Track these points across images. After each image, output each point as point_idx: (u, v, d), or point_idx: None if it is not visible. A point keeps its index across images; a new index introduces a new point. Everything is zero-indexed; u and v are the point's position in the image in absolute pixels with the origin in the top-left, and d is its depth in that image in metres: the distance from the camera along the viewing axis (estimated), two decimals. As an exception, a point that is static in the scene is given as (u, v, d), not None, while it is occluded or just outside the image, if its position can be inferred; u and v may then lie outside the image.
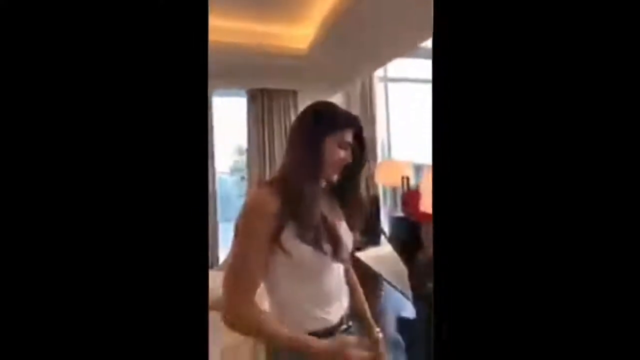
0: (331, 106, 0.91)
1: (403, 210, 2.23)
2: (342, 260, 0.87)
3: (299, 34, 2.05)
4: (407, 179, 2.25)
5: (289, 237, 0.77)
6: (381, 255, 2.96)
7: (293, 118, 2.62)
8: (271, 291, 0.84)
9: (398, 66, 3.49)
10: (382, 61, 2.31)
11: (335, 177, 0.88)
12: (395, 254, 2.00)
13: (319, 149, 0.84)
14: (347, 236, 0.91)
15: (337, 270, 0.89)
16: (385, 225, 2.56)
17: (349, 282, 0.98)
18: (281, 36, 2.06)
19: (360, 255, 3.16)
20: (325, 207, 0.86)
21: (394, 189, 2.74)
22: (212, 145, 2.69)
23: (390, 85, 3.49)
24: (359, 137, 0.90)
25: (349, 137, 0.87)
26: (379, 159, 3.17)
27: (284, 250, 0.77)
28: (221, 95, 2.75)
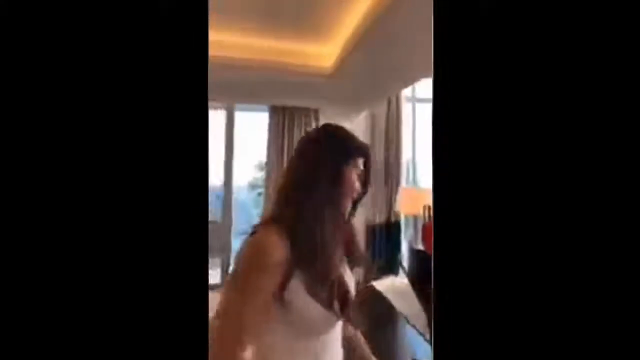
0: (344, 130, 0.81)
1: (422, 243, 2.08)
2: (348, 319, 0.74)
3: (323, 52, 1.99)
4: (429, 208, 2.11)
5: (296, 292, 0.65)
6: (398, 287, 2.80)
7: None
8: (262, 351, 0.68)
9: (427, 86, 3.38)
10: (408, 81, 2.21)
11: (349, 212, 0.78)
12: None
13: (341, 179, 0.73)
14: (351, 282, 0.79)
15: (338, 326, 0.76)
16: (405, 257, 2.41)
17: (348, 337, 0.85)
18: (305, 54, 2.01)
19: (377, 284, 3.01)
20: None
21: (415, 218, 2.60)
22: (231, 160, 2.66)
23: (418, 105, 3.37)
24: (367, 166, 0.80)
25: (361, 165, 0.78)
26: (403, 184, 3.03)
27: (286, 308, 0.65)
28: (243, 110, 2.73)
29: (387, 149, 3.00)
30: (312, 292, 0.66)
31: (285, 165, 2.47)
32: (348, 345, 0.82)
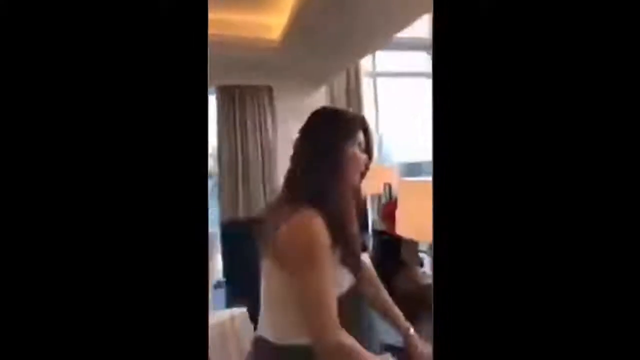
0: (336, 110, 0.88)
1: (382, 223, 1.96)
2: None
3: (271, 23, 1.79)
4: (389, 186, 1.98)
5: (335, 266, 0.75)
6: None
7: (269, 117, 2.36)
8: None
9: (387, 59, 3.25)
10: (366, 50, 2.06)
11: (359, 184, 0.86)
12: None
13: (347, 157, 0.80)
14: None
15: None
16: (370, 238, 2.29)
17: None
18: (250, 25, 1.80)
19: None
20: None
21: (378, 198, 2.48)
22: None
23: (379, 80, 3.23)
24: (366, 136, 0.86)
25: (361, 137, 0.84)
26: (367, 161, 2.91)
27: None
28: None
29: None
30: (345, 263, 0.77)
31: (239, 150, 2.29)
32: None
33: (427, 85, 3.36)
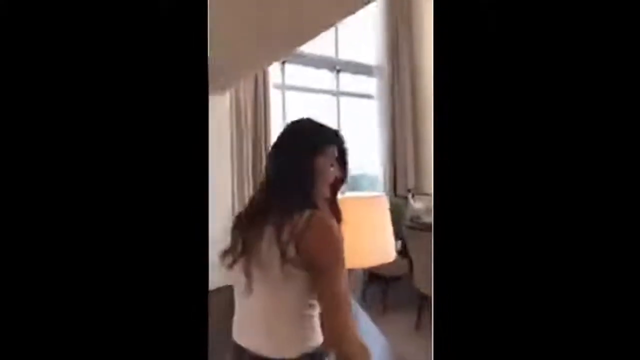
0: (312, 123, 0.89)
1: None
2: None
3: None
4: None
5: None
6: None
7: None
8: None
9: (296, 74, 3.26)
10: (275, 54, 2.00)
11: (328, 194, 0.87)
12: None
13: (315, 169, 0.83)
14: None
15: None
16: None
17: None
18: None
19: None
20: None
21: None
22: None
23: (287, 93, 3.22)
24: (341, 151, 0.88)
25: (333, 152, 0.86)
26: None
27: None
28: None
29: (254, 139, 2.76)
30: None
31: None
32: None
33: (332, 102, 3.46)
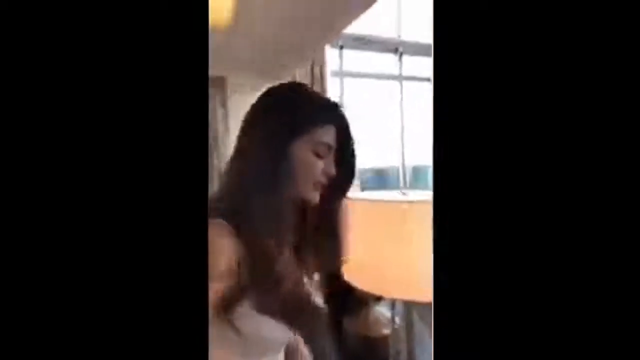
0: (298, 89, 0.62)
1: None
2: (307, 332, 0.64)
3: (215, 5, 1.56)
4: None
5: (245, 310, 0.54)
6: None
7: (220, 112, 2.10)
8: None
9: (355, 59, 3.08)
10: (327, 38, 1.86)
11: (316, 199, 0.61)
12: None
13: (287, 159, 0.56)
14: (316, 293, 0.66)
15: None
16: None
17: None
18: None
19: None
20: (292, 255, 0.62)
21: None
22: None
23: (347, 80, 3.05)
24: (343, 137, 0.62)
25: (328, 136, 0.60)
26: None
27: (233, 327, 0.53)
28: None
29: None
30: (260, 306, 0.54)
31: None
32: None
33: (395, 88, 3.22)
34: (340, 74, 2.99)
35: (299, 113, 0.58)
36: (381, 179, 2.96)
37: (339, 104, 0.63)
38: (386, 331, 1.41)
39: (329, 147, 0.60)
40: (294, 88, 0.62)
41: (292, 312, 0.57)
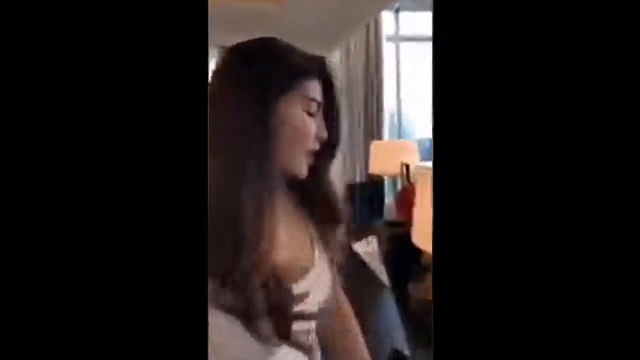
0: (273, 42, 0.51)
1: (398, 211, 1.68)
2: (290, 342, 0.48)
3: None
4: (407, 167, 1.68)
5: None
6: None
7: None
8: None
9: (411, 22, 2.92)
10: (376, 10, 1.78)
11: (304, 171, 0.51)
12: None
13: (271, 119, 0.47)
14: (323, 280, 0.53)
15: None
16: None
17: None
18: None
19: (358, 247, 2.72)
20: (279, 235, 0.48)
21: (394, 179, 2.20)
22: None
23: (402, 45, 2.92)
24: (330, 93, 0.52)
25: (315, 92, 0.50)
26: (386, 137, 2.65)
27: None
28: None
29: (365, 96, 2.59)
30: (219, 301, 0.43)
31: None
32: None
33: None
34: (396, 38, 2.86)
35: (283, 64, 0.48)
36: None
37: (322, 57, 0.52)
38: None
39: (319, 104, 0.50)
40: (268, 41, 0.51)
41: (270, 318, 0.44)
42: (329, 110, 0.52)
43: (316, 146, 0.51)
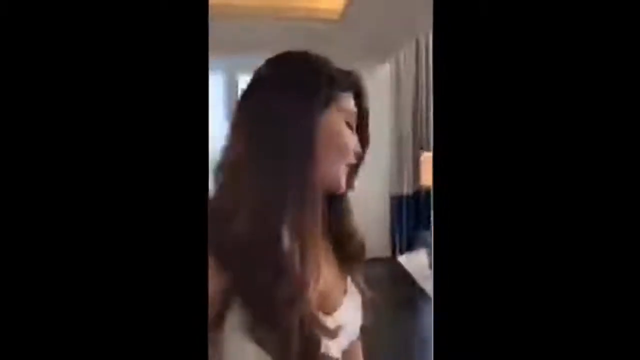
0: (305, 55, 0.48)
1: None
2: None
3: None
4: None
5: (231, 331, 0.41)
6: (425, 265, 2.45)
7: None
8: None
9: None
10: (427, 27, 1.76)
11: (344, 185, 0.48)
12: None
13: (318, 136, 0.44)
14: (353, 312, 0.51)
15: None
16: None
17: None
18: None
19: (403, 260, 2.67)
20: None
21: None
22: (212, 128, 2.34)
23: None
24: (360, 106, 0.50)
25: (351, 104, 0.48)
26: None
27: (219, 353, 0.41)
28: (244, 68, 2.36)
29: (415, 104, 2.56)
30: (255, 337, 0.40)
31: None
32: None
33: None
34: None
35: (321, 78, 0.46)
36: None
37: (350, 70, 0.50)
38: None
39: (351, 116, 0.48)
40: (301, 54, 0.48)
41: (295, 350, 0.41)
42: (361, 124, 0.50)
43: (353, 160, 0.48)
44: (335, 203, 0.52)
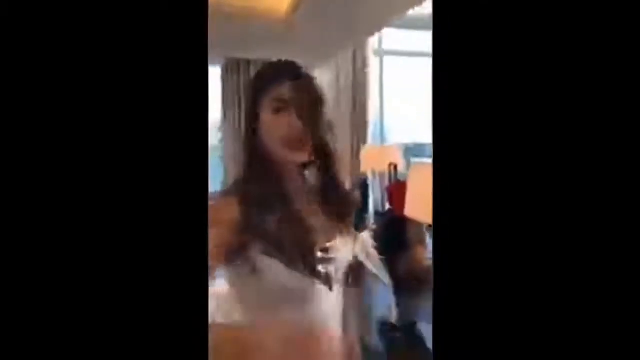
0: (263, 64, 0.70)
1: (389, 203, 2.00)
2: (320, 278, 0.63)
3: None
4: (395, 167, 2.00)
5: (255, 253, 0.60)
6: (366, 246, 2.74)
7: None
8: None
9: (395, 38, 3.19)
10: (372, 29, 2.03)
11: (294, 159, 0.65)
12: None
13: (264, 125, 0.63)
14: (346, 246, 0.69)
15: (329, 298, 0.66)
16: (371, 220, 2.32)
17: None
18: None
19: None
20: (305, 205, 0.66)
21: (382, 178, 2.51)
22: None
23: (386, 58, 3.19)
24: (302, 91, 0.62)
25: (283, 91, 0.61)
26: (370, 142, 2.91)
27: (241, 274, 0.61)
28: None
29: (353, 104, 2.85)
30: (269, 253, 0.59)
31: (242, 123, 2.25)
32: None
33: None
34: (380, 52, 3.13)
35: (258, 77, 0.66)
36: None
37: (297, 62, 0.65)
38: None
39: (285, 101, 0.61)
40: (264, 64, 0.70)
41: (301, 255, 0.60)
42: (306, 105, 0.61)
43: (289, 135, 0.61)
44: (323, 174, 0.70)
